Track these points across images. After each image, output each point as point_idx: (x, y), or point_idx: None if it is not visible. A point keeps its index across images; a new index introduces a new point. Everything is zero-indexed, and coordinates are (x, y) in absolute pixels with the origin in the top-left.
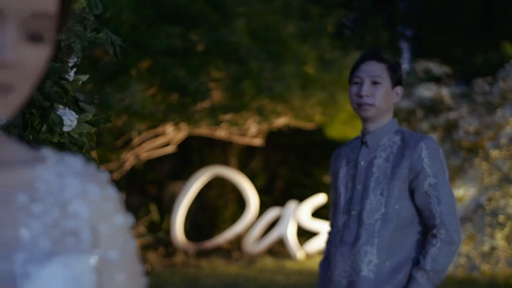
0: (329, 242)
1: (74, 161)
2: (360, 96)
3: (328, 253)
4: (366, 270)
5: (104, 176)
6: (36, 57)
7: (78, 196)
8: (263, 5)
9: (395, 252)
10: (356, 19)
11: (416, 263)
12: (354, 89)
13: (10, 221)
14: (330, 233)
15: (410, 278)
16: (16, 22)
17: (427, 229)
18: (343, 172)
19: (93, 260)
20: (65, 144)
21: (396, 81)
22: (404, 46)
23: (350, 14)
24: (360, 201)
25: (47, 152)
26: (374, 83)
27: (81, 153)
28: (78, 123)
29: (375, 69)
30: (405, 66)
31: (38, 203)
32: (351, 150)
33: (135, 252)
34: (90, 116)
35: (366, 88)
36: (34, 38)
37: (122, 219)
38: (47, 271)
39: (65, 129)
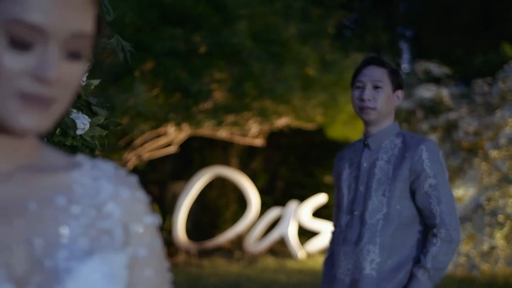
0: (333, 241)
1: (107, 166)
2: (362, 100)
3: (332, 252)
4: (369, 268)
5: (134, 179)
6: (75, 73)
7: (111, 198)
8: (264, 6)
9: (397, 251)
10: (356, 20)
11: (417, 261)
12: (356, 93)
13: (52, 221)
14: (333, 233)
15: (411, 276)
16: (58, 42)
17: (427, 228)
18: (346, 173)
19: (125, 257)
20: (78, 147)
21: (397, 85)
22: (404, 47)
23: (350, 15)
24: (363, 201)
25: (82, 158)
26: (376, 87)
27: (92, 155)
28: (90, 126)
29: (377, 73)
30: (404, 66)
31: (76, 205)
32: (354, 152)
33: (161, 249)
34: (102, 120)
35: (368, 92)
36: (73, 56)
37: (150, 219)
38: (87, 267)
39: (78, 132)
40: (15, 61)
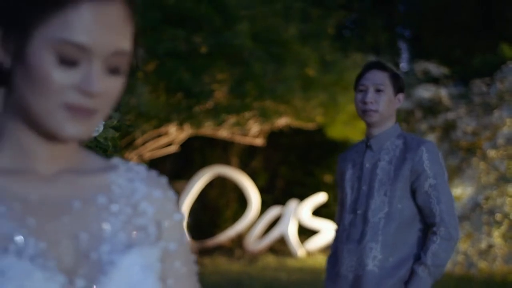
0: (336, 239)
1: (140, 169)
2: (365, 103)
3: (335, 250)
4: (371, 265)
5: (164, 180)
6: (115, 87)
7: (145, 198)
8: (264, 7)
9: (398, 249)
10: (355, 20)
11: (418, 258)
12: (359, 96)
13: (94, 218)
14: (337, 231)
15: (412, 272)
16: (101, 59)
17: (427, 226)
18: (349, 174)
19: (158, 251)
20: (92, 148)
21: (398, 88)
22: (403, 47)
23: (350, 15)
24: (365, 201)
25: (117, 161)
26: (378, 90)
27: (106, 155)
28: (103, 128)
29: (379, 77)
30: (403, 65)
31: (115, 204)
32: (357, 153)
33: (188, 243)
34: (115, 122)
35: (370, 96)
36: (113, 71)
37: (179, 216)
38: (127, 259)
39: (93, 134)
40: (63, 76)
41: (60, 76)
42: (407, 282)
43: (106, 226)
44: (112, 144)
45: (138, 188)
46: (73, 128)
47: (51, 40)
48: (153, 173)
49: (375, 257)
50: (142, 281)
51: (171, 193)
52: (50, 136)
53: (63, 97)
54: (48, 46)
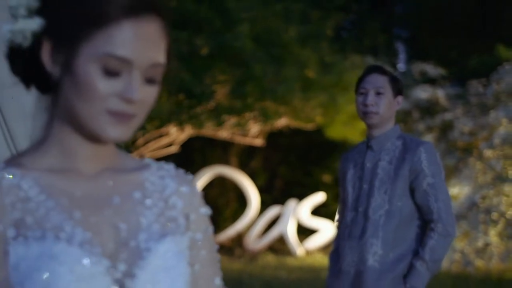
0: (338, 236)
1: (170, 167)
2: (366, 105)
3: (337, 246)
4: (372, 260)
5: (191, 177)
6: (151, 95)
7: (174, 193)
8: (264, 9)
9: (398, 244)
10: (353, 22)
11: (416, 253)
12: (360, 99)
13: (132, 211)
14: (339, 229)
15: (411, 267)
16: (140, 71)
17: (425, 223)
18: (350, 173)
19: (187, 240)
20: None
21: (397, 91)
22: (401, 48)
23: (348, 17)
24: (366, 199)
25: (149, 160)
26: (378, 93)
27: None
28: None
29: (379, 81)
30: (400, 65)
31: (149, 199)
32: (358, 154)
33: (212, 234)
34: None
35: (371, 98)
36: (150, 81)
37: (204, 210)
38: (162, 246)
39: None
40: (106, 86)
41: (104, 86)
42: (406, 276)
43: (142, 218)
44: (123, 144)
45: (168, 184)
46: (115, 131)
47: (97, 53)
48: (181, 171)
49: (375, 253)
50: (175, 265)
51: (197, 189)
52: (94, 138)
53: (106, 104)
54: (93, 59)
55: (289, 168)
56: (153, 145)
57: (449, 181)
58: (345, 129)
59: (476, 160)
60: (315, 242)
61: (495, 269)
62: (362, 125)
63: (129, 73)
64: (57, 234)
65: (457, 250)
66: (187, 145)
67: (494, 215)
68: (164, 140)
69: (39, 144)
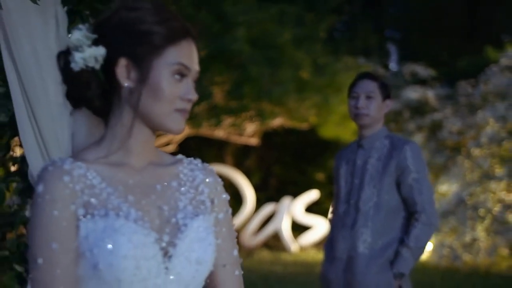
0: (332, 227)
1: (197, 162)
2: (357, 108)
3: (331, 237)
4: (362, 247)
5: (214, 170)
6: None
7: (202, 182)
8: (260, 13)
9: (386, 233)
10: (346, 23)
11: (402, 241)
12: (352, 102)
13: (171, 196)
14: (333, 220)
15: (397, 253)
16: (192, 76)
17: (410, 214)
18: (343, 170)
19: (213, 219)
20: None
21: (386, 95)
22: (392, 49)
23: (341, 18)
24: (357, 192)
25: (181, 156)
26: (368, 97)
27: None
28: None
29: (369, 86)
30: (392, 65)
31: (183, 187)
32: (350, 152)
33: (230, 215)
34: None
35: (362, 102)
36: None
37: (225, 195)
38: (195, 223)
39: None
40: (173, 90)
41: (171, 90)
42: (393, 262)
43: (179, 202)
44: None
45: (197, 175)
46: (179, 125)
47: (168, 63)
48: (206, 165)
49: (365, 241)
50: (205, 237)
51: (219, 179)
52: (144, 138)
53: (174, 105)
54: (165, 69)
55: (283, 166)
56: None
57: (438, 178)
58: (338, 129)
59: (464, 159)
60: (309, 238)
61: (482, 263)
62: (354, 125)
63: (186, 80)
64: (117, 212)
65: (445, 245)
66: (184, 144)
67: (481, 212)
68: (162, 139)
69: (97, 143)
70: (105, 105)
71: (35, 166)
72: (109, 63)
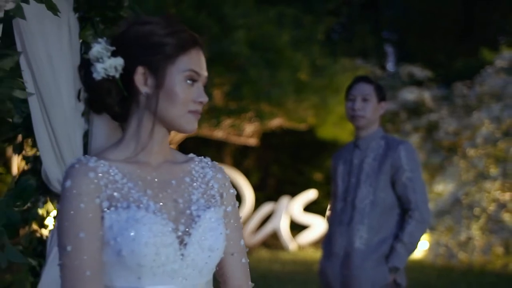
0: (330, 224)
1: (207, 160)
2: (354, 110)
3: (329, 233)
4: (359, 243)
5: (222, 167)
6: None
7: (212, 178)
8: (259, 15)
9: (381, 229)
10: (344, 25)
11: (396, 237)
12: (349, 104)
13: (185, 190)
14: (330, 217)
15: (392, 248)
16: (202, 82)
17: (404, 212)
18: (340, 169)
19: (222, 211)
20: None
21: (382, 98)
22: (389, 51)
23: (339, 20)
24: (354, 190)
25: (192, 155)
26: (365, 100)
27: None
28: None
29: (365, 89)
30: (389, 66)
31: (196, 182)
32: (347, 152)
33: (238, 208)
34: None
35: (358, 104)
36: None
37: (232, 190)
38: (208, 214)
39: None
40: (187, 94)
41: (185, 94)
42: (388, 256)
43: (192, 195)
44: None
45: (208, 172)
46: (192, 125)
47: (181, 70)
48: (215, 163)
49: (361, 237)
50: (216, 227)
51: (227, 176)
52: (178, 131)
53: (188, 107)
54: (178, 76)
55: (281, 166)
56: None
57: (435, 178)
58: (335, 129)
59: (460, 159)
60: (307, 237)
61: (477, 261)
62: (351, 126)
63: (197, 84)
64: (138, 205)
65: (441, 244)
66: (183, 144)
67: (476, 211)
68: None
69: (116, 144)
70: (123, 111)
71: (48, 164)
72: (127, 72)
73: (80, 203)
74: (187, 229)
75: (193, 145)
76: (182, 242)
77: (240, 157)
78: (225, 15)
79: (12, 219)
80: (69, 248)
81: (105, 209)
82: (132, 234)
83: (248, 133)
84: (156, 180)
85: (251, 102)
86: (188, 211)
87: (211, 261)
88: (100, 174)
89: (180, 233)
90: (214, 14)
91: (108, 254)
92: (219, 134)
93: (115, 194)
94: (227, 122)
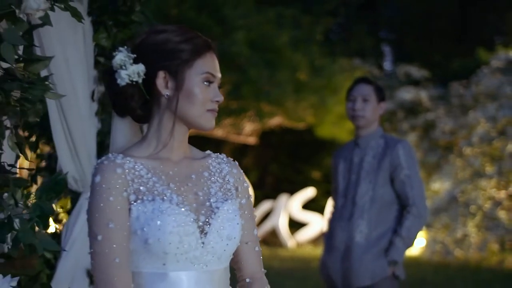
0: (331, 219)
1: (223, 156)
2: (354, 110)
3: (330, 228)
4: (359, 237)
5: (236, 163)
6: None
7: (228, 173)
8: (259, 16)
9: (380, 225)
10: (341, 25)
11: (395, 232)
12: (350, 104)
13: (204, 184)
14: (332, 213)
15: (391, 242)
16: (217, 82)
17: (403, 207)
18: (341, 167)
19: (238, 203)
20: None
21: (381, 98)
22: (387, 51)
23: (337, 20)
24: (354, 187)
25: (209, 152)
26: (365, 100)
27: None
28: None
29: (365, 89)
30: (386, 65)
31: (213, 177)
32: (347, 150)
33: (251, 200)
34: None
35: (358, 104)
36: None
37: (246, 184)
38: (225, 206)
39: None
40: (205, 94)
41: (203, 94)
42: (387, 250)
43: (211, 189)
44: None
45: (224, 167)
46: (211, 123)
47: (198, 73)
48: (230, 159)
49: (361, 231)
50: (233, 217)
51: (241, 170)
52: (197, 129)
53: (206, 106)
54: (196, 78)
55: (280, 165)
56: None
57: (431, 177)
58: (334, 128)
59: (456, 157)
60: (305, 234)
61: (473, 258)
62: (349, 125)
63: (213, 85)
64: (162, 198)
65: (438, 241)
66: None
67: (472, 208)
68: None
69: (140, 143)
70: (145, 113)
71: (64, 161)
72: (148, 77)
73: (109, 197)
74: (207, 220)
75: (193, 143)
76: (202, 232)
77: (239, 156)
78: (225, 16)
79: (45, 210)
80: (99, 237)
81: (132, 202)
82: (158, 223)
83: (248, 132)
84: (177, 174)
85: (251, 101)
86: (207, 203)
87: (229, 248)
88: (127, 170)
89: (200, 223)
90: (215, 15)
91: (135, 243)
92: (218, 132)
93: (141, 188)
94: (227, 121)
